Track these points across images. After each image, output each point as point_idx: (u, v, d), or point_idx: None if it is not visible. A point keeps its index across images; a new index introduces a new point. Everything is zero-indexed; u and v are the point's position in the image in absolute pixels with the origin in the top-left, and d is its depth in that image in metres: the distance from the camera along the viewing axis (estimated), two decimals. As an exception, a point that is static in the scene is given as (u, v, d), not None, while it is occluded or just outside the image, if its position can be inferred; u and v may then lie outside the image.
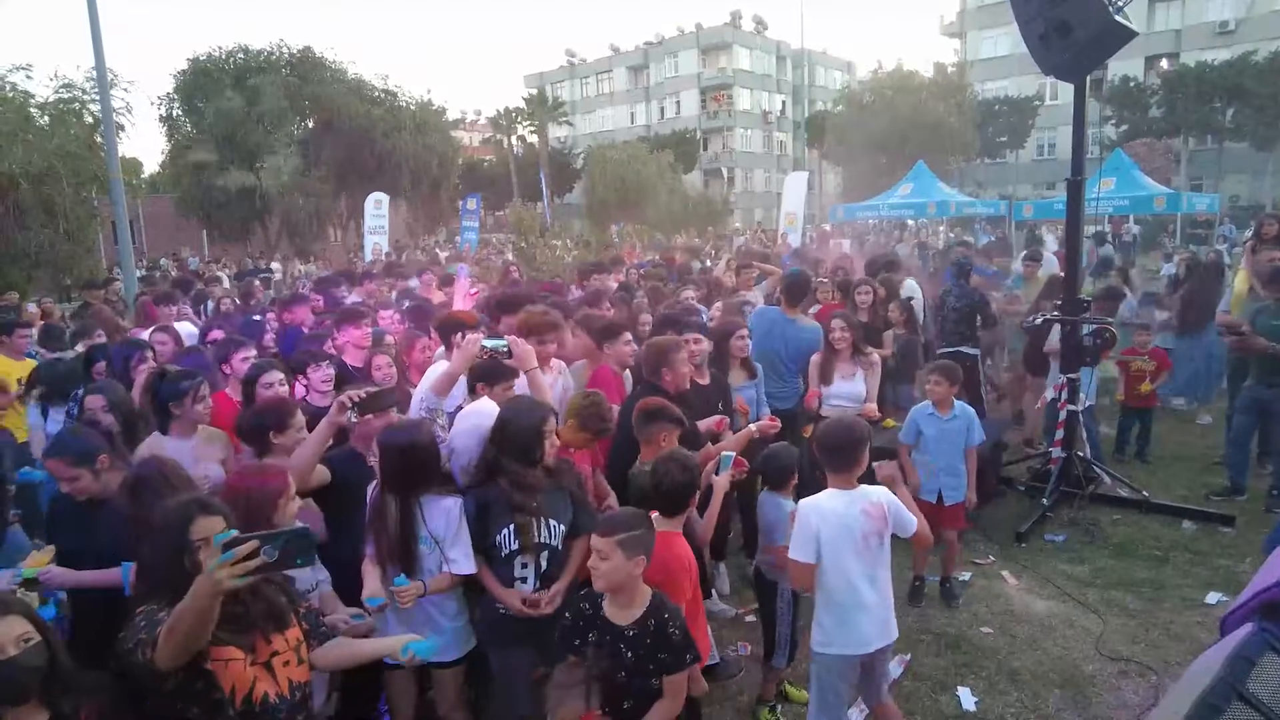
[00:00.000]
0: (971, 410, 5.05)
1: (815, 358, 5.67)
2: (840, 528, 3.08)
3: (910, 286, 7.92)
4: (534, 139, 46.88)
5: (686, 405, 4.07)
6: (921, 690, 4.06)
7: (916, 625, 4.64)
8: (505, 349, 3.75)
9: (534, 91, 51.31)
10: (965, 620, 4.73)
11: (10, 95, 16.08)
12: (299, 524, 2.27)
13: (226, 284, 15.29)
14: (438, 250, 23.30)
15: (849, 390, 5.50)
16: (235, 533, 1.91)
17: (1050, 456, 6.58)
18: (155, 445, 3.65)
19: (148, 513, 2.54)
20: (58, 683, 2.05)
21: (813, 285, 6.81)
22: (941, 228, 25.94)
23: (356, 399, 3.32)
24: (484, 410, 3.48)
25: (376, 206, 21.08)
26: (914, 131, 32.54)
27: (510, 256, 12.35)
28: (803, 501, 3.17)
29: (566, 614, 2.77)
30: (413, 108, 31.17)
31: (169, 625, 1.92)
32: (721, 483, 3.56)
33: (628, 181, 34.75)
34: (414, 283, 9.39)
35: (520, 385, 3.86)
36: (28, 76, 19.97)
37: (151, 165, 38.40)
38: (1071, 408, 6.46)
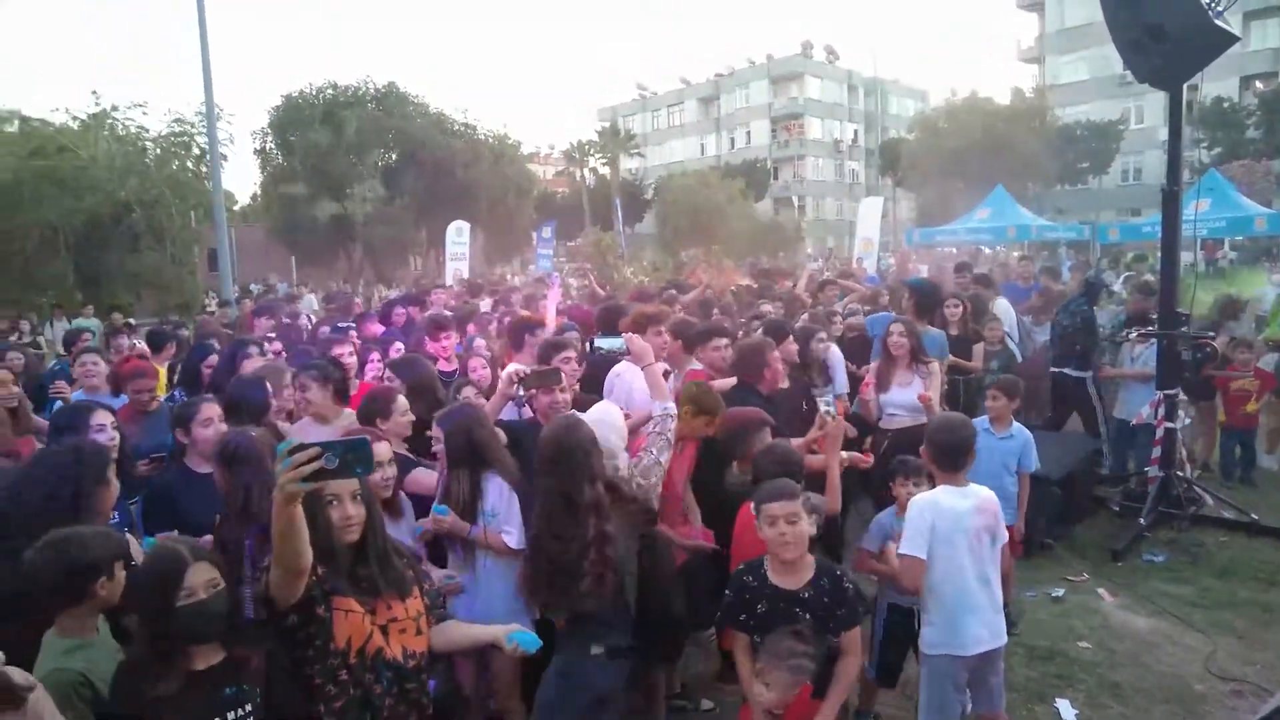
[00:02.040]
0: (1029, 435, 4.83)
1: (873, 364, 5.61)
2: (954, 524, 3.06)
3: (1002, 306, 7.76)
4: (606, 171, 47.79)
5: (774, 407, 4.12)
6: (1016, 701, 3.93)
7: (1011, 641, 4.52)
8: (623, 348, 3.72)
9: (606, 124, 52.36)
10: (1059, 633, 4.58)
11: (124, 132, 17.33)
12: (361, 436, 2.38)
13: (315, 305, 16.10)
14: (510, 277, 23.87)
15: (905, 399, 5.33)
16: (299, 441, 2.02)
17: (1147, 475, 6.35)
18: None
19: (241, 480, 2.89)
20: (234, 627, 2.23)
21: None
22: (1016, 252, 25.28)
23: (522, 375, 3.60)
24: (610, 417, 3.30)
25: (458, 234, 21.74)
26: (990, 157, 31.93)
27: (591, 280, 12.64)
28: (917, 498, 3.18)
29: (727, 590, 2.88)
30: (491, 140, 32.26)
31: (273, 552, 2.06)
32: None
33: (699, 208, 35.02)
34: (485, 304, 9.73)
35: (624, 392, 3.91)
36: (144, 113, 21.48)
37: (243, 196, 40.58)
38: (1169, 425, 6.23)
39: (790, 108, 55.16)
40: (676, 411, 3.38)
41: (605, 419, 3.25)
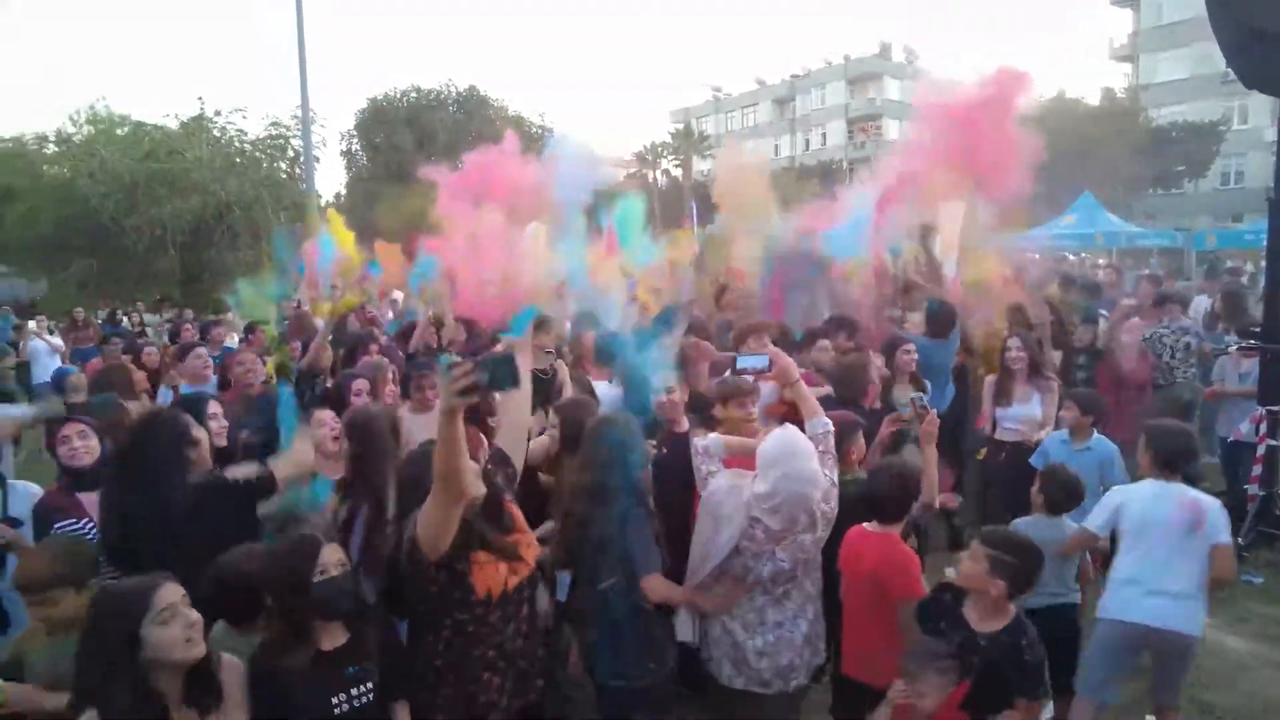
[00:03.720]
0: (1113, 447, 4.70)
1: (989, 379, 5.56)
2: (1146, 508, 3.48)
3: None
4: (678, 172, 47.90)
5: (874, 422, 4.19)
6: (1105, 715, 3.89)
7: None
8: (766, 365, 3.50)
9: (679, 126, 52.48)
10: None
11: (221, 135, 18.31)
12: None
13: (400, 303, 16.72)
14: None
15: (1023, 413, 5.31)
16: (458, 358, 2.26)
17: (1246, 493, 6.12)
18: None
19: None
20: (358, 606, 2.47)
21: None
22: (1102, 260, 24.33)
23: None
24: (794, 442, 3.05)
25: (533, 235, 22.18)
26: (1077, 160, 30.81)
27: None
28: (1117, 487, 3.65)
29: (931, 591, 3.02)
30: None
31: (436, 471, 2.32)
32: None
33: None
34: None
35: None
36: (243, 117, 22.72)
37: (327, 196, 42.22)
38: (1271, 443, 6.01)
39: (867, 109, 54.26)
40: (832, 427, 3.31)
41: (802, 446, 3.04)
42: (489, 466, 2.76)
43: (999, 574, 2.75)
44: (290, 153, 18.16)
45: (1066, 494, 3.93)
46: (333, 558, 2.39)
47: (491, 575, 2.53)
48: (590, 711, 3.29)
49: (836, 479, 3.17)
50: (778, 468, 2.95)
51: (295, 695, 2.28)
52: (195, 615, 2.13)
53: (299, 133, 16.46)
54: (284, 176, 17.68)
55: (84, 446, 3.45)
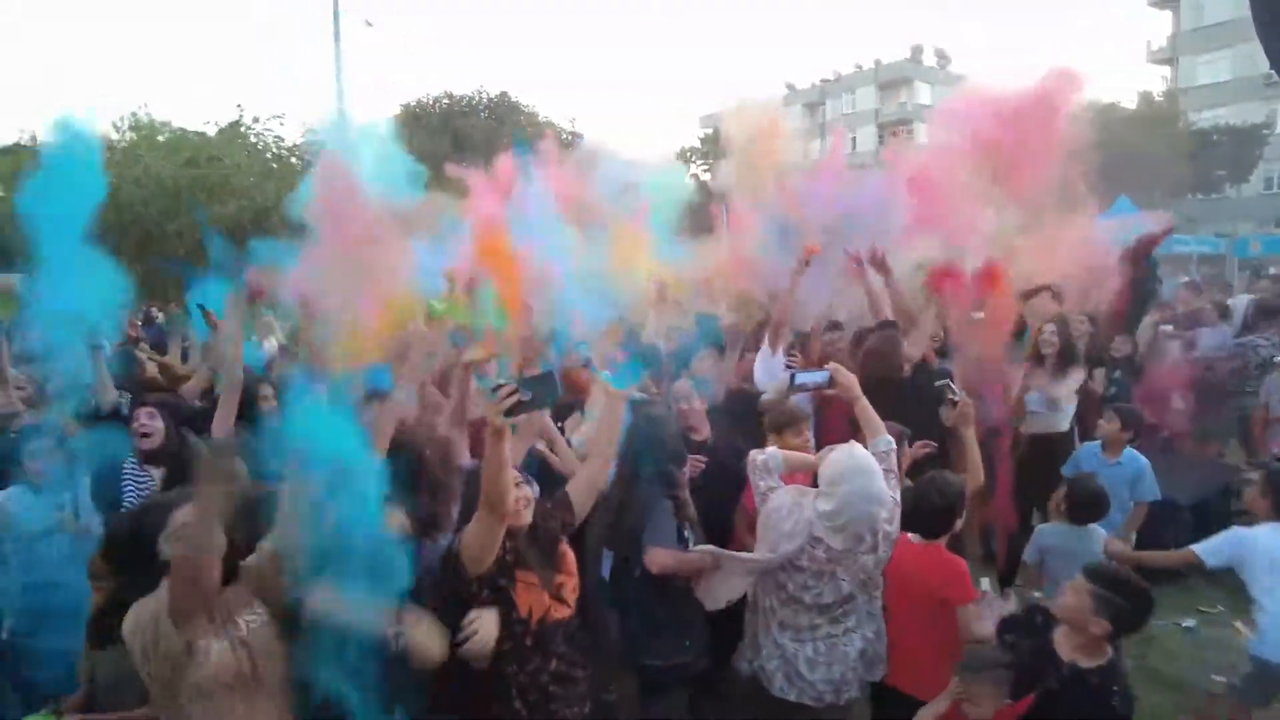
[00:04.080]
0: (1144, 462, 4.66)
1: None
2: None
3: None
4: (707, 177, 47.91)
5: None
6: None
7: (1134, 666, 4.40)
8: (826, 381, 3.45)
9: (709, 131, 52.46)
10: (1190, 664, 4.46)
11: (258, 142, 18.67)
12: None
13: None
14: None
15: (1045, 395, 5.32)
16: (502, 380, 2.37)
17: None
18: None
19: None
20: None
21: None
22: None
23: None
24: (860, 460, 3.04)
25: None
26: (1113, 164, 30.26)
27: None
28: (1243, 531, 3.69)
29: (1016, 607, 3.05)
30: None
31: (483, 490, 2.40)
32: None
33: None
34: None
35: None
36: (281, 124, 23.11)
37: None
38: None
39: (899, 113, 53.85)
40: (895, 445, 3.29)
41: (868, 464, 3.02)
42: (549, 505, 2.85)
43: (1104, 614, 2.64)
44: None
45: (1091, 505, 3.93)
46: (393, 522, 2.49)
47: (536, 598, 2.59)
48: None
49: (899, 497, 3.13)
50: (843, 485, 2.94)
51: None
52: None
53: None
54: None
55: (152, 426, 3.89)
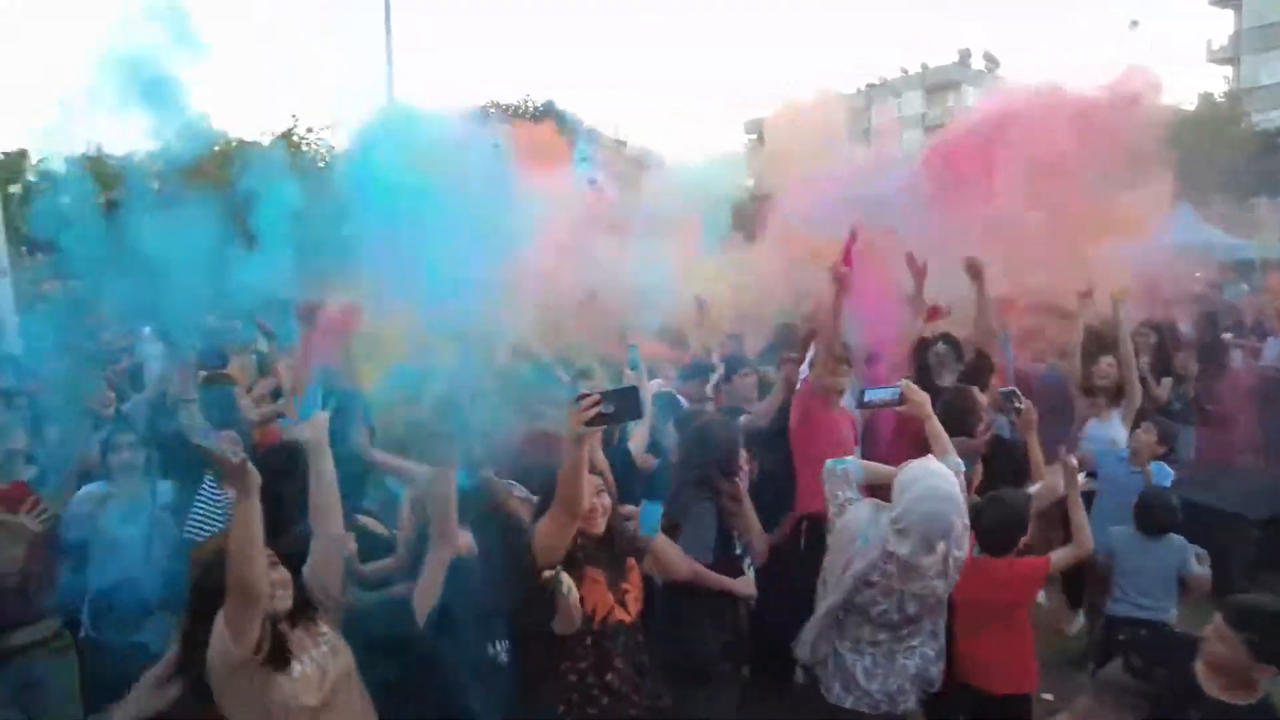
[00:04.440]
0: (1169, 474, 4.62)
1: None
2: None
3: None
4: (750, 183, 47.65)
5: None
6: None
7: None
8: (896, 398, 3.43)
9: (753, 137, 52.29)
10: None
11: (307, 148, 19.10)
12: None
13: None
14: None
15: (1103, 434, 5.16)
16: (586, 390, 2.47)
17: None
18: None
19: None
20: None
21: None
22: (1199, 274, 23.01)
23: None
24: (935, 465, 3.05)
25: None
26: (1175, 167, 29.34)
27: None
28: None
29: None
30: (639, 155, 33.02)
31: (557, 492, 2.52)
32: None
33: (846, 223, 34.29)
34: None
35: None
36: (331, 133, 23.56)
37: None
38: None
39: (945, 118, 52.97)
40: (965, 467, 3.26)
41: (940, 468, 3.00)
42: (627, 521, 3.06)
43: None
44: (378, 168, 18.83)
45: (1163, 518, 3.90)
46: (462, 541, 2.65)
47: (600, 596, 2.69)
48: None
49: (968, 522, 3.07)
50: (915, 486, 2.90)
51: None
52: (283, 574, 2.39)
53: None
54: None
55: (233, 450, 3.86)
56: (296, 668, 2.36)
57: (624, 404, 2.45)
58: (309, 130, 19.21)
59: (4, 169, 21.04)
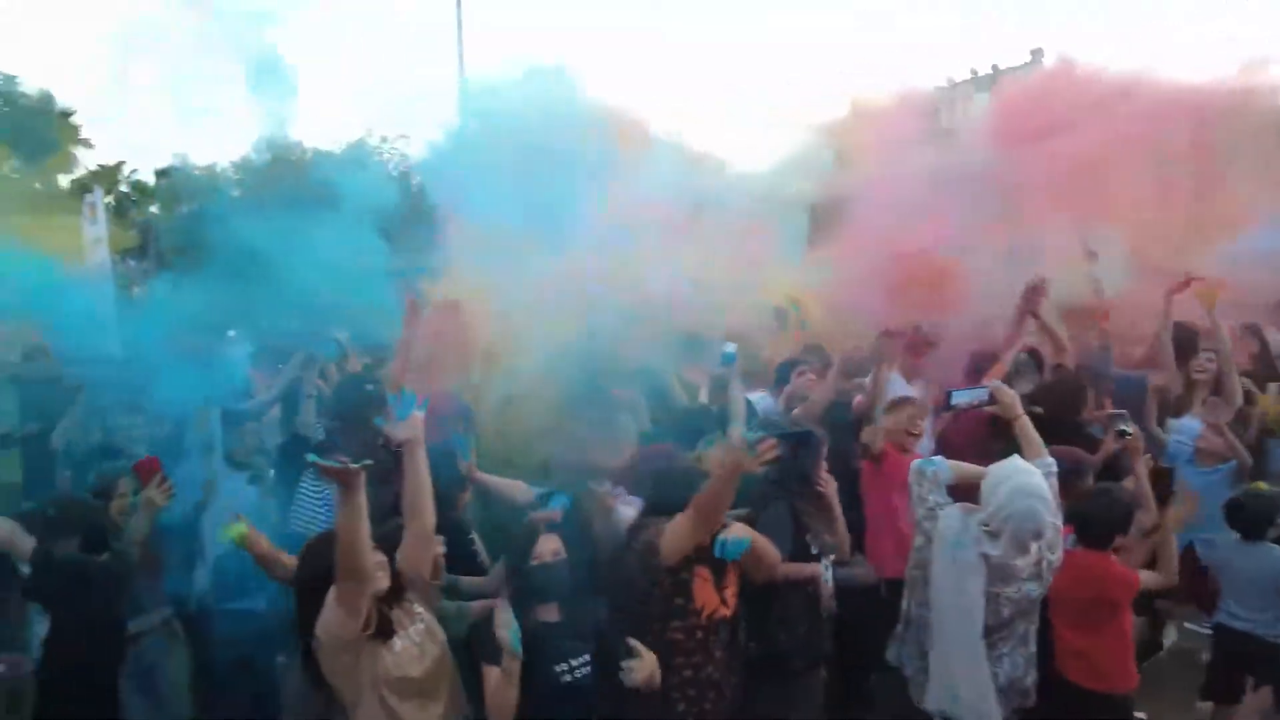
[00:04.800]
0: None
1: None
2: None
3: None
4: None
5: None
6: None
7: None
8: (985, 399, 3.44)
9: (820, 139, 51.70)
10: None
11: (380, 157, 19.62)
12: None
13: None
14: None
15: (1194, 428, 4.95)
16: (763, 433, 2.57)
17: None
18: None
19: None
20: (575, 593, 2.82)
21: None
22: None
23: None
24: (1023, 464, 3.04)
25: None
26: (1264, 166, 27.90)
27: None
28: None
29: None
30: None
31: (697, 502, 2.67)
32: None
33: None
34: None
35: None
36: (406, 141, 24.20)
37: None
38: None
39: (1017, 119, 51.58)
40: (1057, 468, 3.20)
41: (1029, 467, 2.98)
42: None
43: None
44: (448, 176, 19.28)
45: (1264, 520, 3.71)
46: (550, 547, 2.73)
47: (709, 594, 2.80)
48: None
49: (1060, 524, 3.02)
50: (1004, 485, 2.87)
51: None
52: (380, 556, 2.58)
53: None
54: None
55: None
56: (397, 643, 2.58)
57: (799, 447, 2.75)
58: (383, 140, 19.73)
59: (102, 180, 22.21)
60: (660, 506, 3.01)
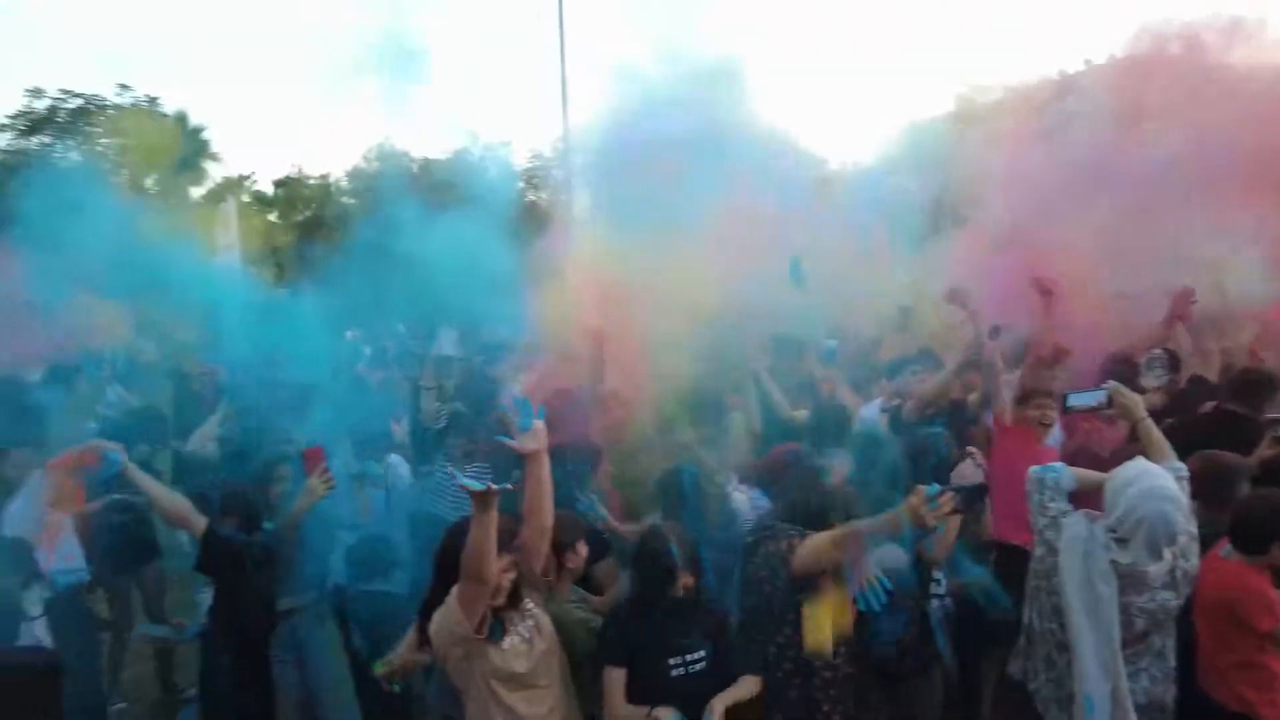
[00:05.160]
0: None
1: None
2: None
3: None
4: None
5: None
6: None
7: None
8: (1105, 402, 3.29)
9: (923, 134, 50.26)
10: None
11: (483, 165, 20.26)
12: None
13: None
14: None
15: None
16: (939, 488, 2.53)
17: None
18: None
19: None
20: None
21: None
22: None
23: None
24: (1150, 465, 2.91)
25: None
26: None
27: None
28: None
29: None
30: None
31: (847, 538, 2.74)
32: None
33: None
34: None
35: None
36: (508, 148, 24.95)
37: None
38: None
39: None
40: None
41: (1159, 469, 2.85)
42: None
43: None
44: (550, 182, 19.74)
45: None
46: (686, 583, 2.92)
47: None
48: None
49: (1195, 531, 2.86)
50: (1131, 488, 2.74)
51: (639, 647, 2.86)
52: (505, 560, 2.70)
53: (559, 163, 17.88)
54: (543, 206, 19.25)
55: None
56: (507, 641, 2.72)
57: (972, 497, 2.79)
58: (487, 148, 20.39)
59: (229, 191, 23.72)
60: (792, 512, 3.11)
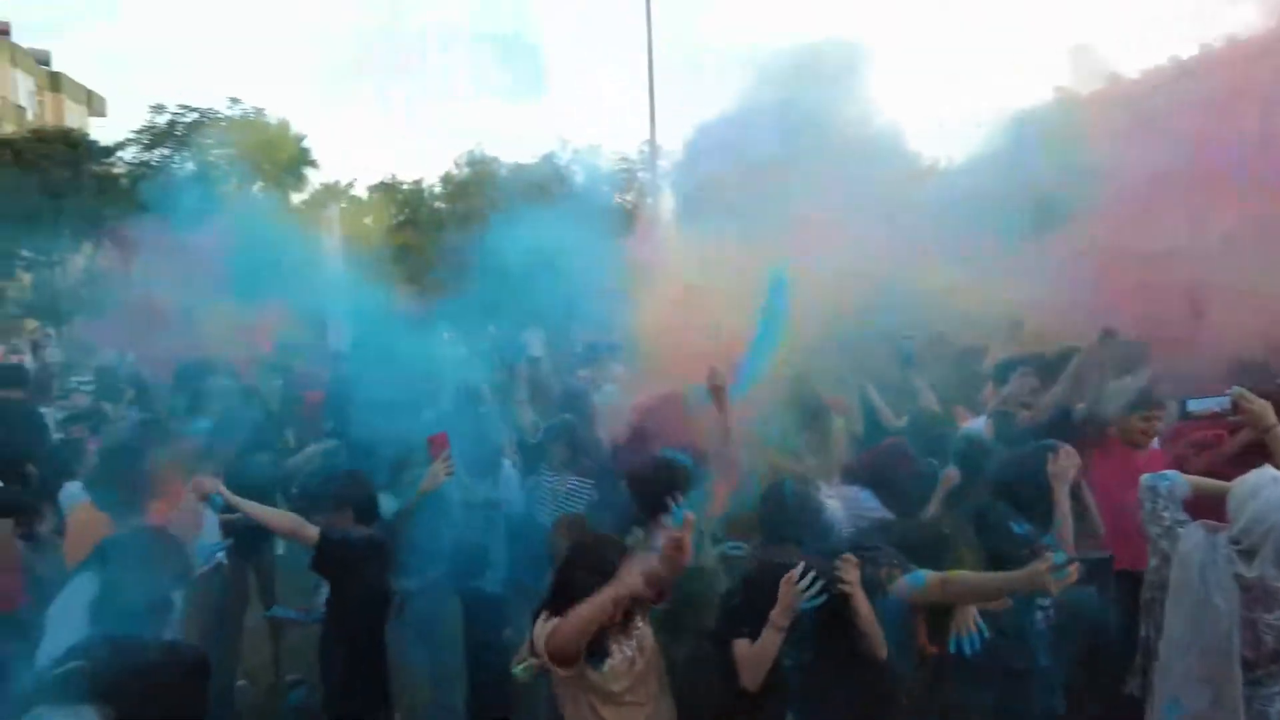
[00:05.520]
0: None
1: None
2: None
3: None
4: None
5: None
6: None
7: None
8: (1227, 408, 3.18)
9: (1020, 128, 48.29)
10: None
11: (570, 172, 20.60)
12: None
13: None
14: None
15: None
16: (1065, 556, 2.49)
17: None
18: None
19: None
20: None
21: None
22: None
23: None
24: (1278, 476, 2.74)
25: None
26: None
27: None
28: None
29: None
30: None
31: (960, 589, 2.75)
32: None
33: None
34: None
35: None
36: (595, 152, 25.36)
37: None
38: None
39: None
40: None
41: None
42: None
43: None
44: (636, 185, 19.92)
45: None
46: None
47: (923, 637, 2.93)
48: None
49: None
50: (1256, 499, 2.61)
51: None
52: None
53: (644, 166, 18.06)
54: (629, 209, 19.48)
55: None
56: (608, 661, 2.76)
57: (1095, 570, 2.92)
58: (574, 153, 20.74)
59: (328, 197, 24.84)
60: (899, 503, 3.25)
